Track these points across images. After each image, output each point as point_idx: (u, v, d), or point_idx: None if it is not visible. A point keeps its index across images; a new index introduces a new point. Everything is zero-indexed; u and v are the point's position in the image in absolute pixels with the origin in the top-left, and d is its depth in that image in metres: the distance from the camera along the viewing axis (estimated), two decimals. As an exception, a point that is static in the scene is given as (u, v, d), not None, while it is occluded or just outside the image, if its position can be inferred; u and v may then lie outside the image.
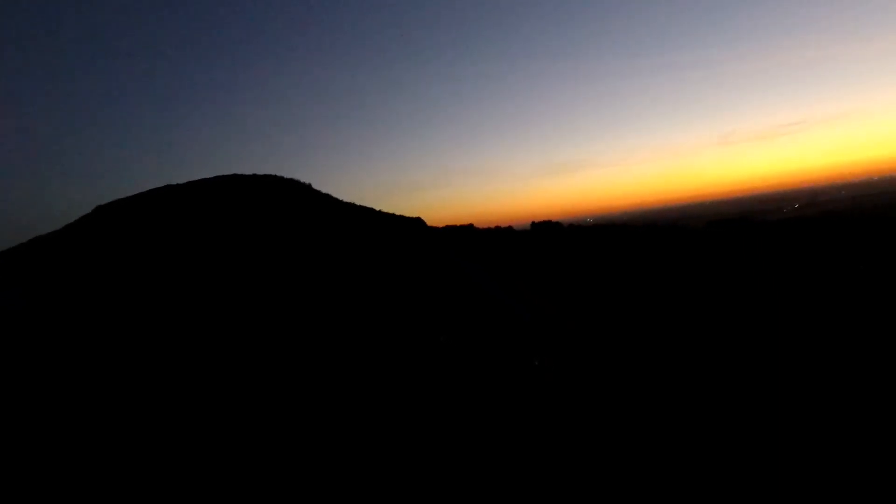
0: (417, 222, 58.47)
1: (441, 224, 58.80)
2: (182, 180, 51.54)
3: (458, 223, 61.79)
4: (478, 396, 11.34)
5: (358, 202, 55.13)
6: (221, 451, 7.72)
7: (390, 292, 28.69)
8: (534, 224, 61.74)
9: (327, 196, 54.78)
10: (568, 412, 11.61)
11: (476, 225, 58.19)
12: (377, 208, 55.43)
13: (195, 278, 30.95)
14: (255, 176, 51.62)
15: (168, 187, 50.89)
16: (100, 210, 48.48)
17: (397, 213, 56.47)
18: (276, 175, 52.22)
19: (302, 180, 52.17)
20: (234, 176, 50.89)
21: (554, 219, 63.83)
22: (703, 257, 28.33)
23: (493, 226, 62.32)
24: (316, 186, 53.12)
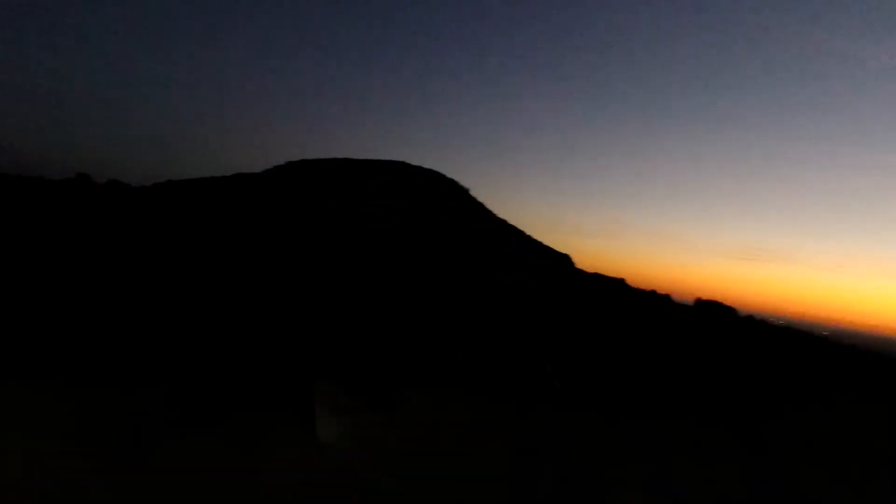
0: (565, 258, 54.42)
1: (589, 270, 53.63)
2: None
3: (609, 275, 55.84)
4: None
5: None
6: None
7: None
8: (698, 301, 52.83)
9: (481, 205, 53.91)
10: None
11: (627, 282, 51.74)
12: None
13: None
14: (420, 168, 52.98)
15: (347, 160, 55.00)
16: (291, 164, 54.51)
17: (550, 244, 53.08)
18: (439, 172, 52.92)
19: (461, 183, 51.97)
20: (402, 163, 52.84)
21: (725, 304, 53.78)
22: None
23: (648, 288, 54.88)
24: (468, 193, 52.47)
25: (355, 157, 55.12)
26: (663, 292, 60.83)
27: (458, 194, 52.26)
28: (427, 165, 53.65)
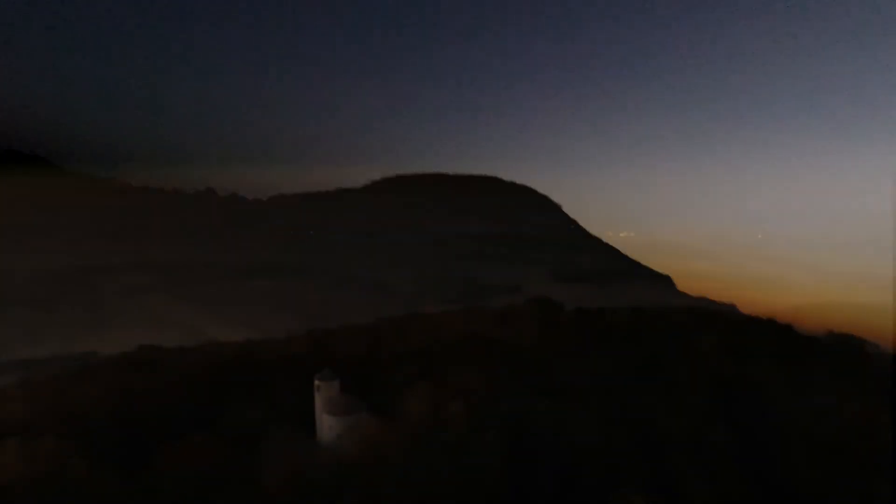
0: (666, 279, 50.48)
1: (693, 293, 49.39)
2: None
3: (719, 300, 50.55)
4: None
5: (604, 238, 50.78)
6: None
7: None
8: (830, 333, 46.21)
9: (575, 222, 52.20)
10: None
11: (738, 307, 46.78)
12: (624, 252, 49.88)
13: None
14: (513, 183, 52.92)
15: (440, 174, 56.71)
16: (386, 179, 57.63)
17: (649, 265, 49.77)
18: (531, 188, 52.42)
19: (553, 199, 50.87)
20: (495, 178, 53.16)
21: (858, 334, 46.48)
22: None
23: (763, 316, 49.37)
24: (563, 209, 51.11)
25: (453, 172, 56.58)
26: (784, 321, 53.51)
27: (549, 209, 51.19)
28: (524, 180, 53.40)
